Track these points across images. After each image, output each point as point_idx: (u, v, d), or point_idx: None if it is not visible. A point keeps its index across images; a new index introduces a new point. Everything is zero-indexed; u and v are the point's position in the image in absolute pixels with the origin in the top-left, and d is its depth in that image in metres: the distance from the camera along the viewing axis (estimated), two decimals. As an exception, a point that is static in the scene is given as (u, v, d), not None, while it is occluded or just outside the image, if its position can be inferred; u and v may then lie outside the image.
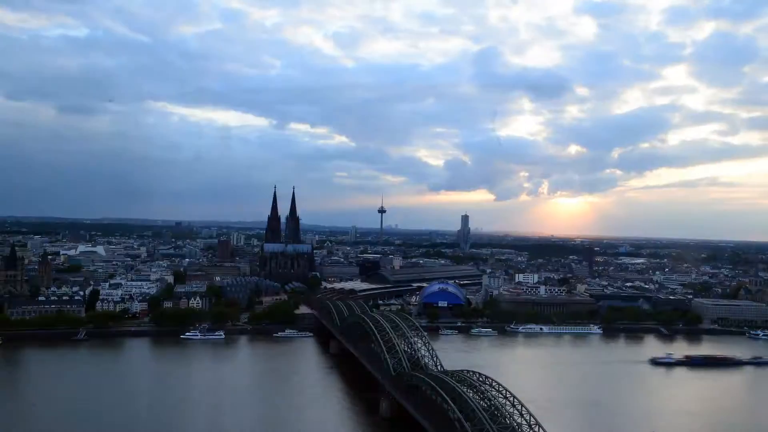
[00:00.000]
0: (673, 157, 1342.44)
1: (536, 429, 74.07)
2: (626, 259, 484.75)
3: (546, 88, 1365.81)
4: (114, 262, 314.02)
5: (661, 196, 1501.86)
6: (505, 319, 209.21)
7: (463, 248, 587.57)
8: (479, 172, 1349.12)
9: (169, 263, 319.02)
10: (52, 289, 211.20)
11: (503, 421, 74.81)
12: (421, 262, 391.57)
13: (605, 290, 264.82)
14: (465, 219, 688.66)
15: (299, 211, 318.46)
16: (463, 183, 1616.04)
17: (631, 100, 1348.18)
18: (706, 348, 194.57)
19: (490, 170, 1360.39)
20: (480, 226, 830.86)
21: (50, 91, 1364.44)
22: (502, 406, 78.07)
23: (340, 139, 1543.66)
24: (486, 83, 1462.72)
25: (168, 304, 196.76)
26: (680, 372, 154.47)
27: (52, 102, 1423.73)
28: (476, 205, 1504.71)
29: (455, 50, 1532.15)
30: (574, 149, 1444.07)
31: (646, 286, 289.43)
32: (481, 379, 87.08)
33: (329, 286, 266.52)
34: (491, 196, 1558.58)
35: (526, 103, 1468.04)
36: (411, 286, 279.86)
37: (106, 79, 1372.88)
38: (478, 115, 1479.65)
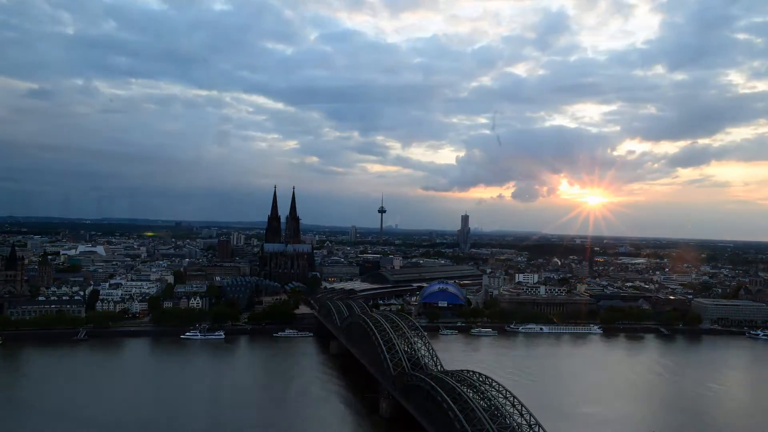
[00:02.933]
0: (738, 151, 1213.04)
1: (536, 429, 74.14)
2: (626, 259, 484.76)
3: (630, 66, 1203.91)
4: (114, 262, 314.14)
5: (689, 195, 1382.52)
6: (505, 319, 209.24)
7: (463, 248, 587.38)
8: (499, 169, 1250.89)
9: (169, 263, 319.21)
10: (52, 289, 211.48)
11: (503, 421, 74.83)
12: (421, 262, 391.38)
13: (605, 290, 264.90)
14: (465, 219, 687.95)
15: (299, 211, 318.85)
16: (480, 180, 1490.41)
17: (733, 85, 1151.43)
18: (706, 348, 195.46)
19: (515, 167, 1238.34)
20: (480, 225, 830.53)
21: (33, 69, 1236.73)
22: (502, 406, 78.12)
23: (353, 133, 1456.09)
24: (554, 65, 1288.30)
25: (168, 304, 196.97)
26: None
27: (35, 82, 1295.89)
28: (487, 204, 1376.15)
29: (521, 18, 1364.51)
30: (632, 144, 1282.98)
31: (646, 286, 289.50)
32: (481, 379, 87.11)
33: (329, 286, 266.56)
34: (507, 194, 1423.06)
35: (596, 91, 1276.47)
36: (411, 286, 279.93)
37: (100, 53, 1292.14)
38: (526, 103, 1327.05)
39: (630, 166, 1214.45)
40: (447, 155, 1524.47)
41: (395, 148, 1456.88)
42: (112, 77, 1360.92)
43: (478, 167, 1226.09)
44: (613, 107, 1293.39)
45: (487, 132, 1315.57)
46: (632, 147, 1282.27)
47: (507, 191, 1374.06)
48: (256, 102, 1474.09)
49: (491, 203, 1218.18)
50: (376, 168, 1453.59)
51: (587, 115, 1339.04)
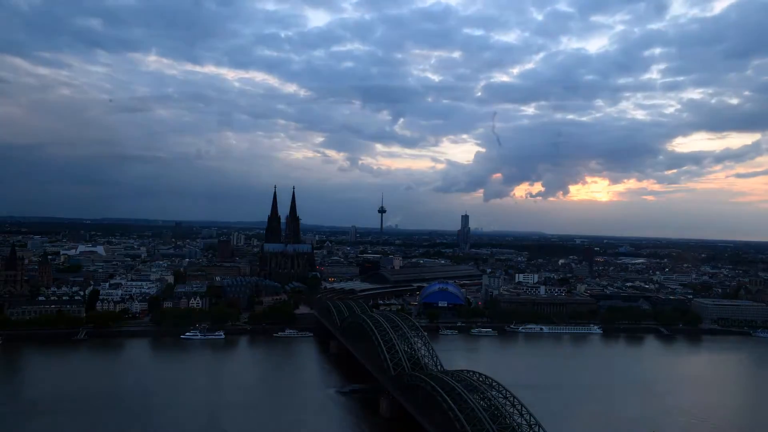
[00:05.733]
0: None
1: (536, 429, 74.15)
2: (626, 259, 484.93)
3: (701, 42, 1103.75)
4: (114, 262, 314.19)
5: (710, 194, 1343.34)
6: (505, 319, 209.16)
7: (463, 248, 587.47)
8: (519, 168, 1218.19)
9: (169, 263, 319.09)
10: (52, 289, 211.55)
11: (503, 421, 74.83)
12: (421, 262, 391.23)
13: (605, 290, 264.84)
14: (465, 219, 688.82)
15: (299, 211, 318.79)
16: (500, 179, 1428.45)
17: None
18: (706, 349, 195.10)
19: (545, 164, 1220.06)
20: (480, 226, 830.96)
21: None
22: (502, 406, 78.13)
23: (377, 124, 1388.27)
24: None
25: (168, 304, 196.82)
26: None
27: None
28: (498, 203, 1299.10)
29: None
30: (688, 139, 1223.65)
31: (646, 286, 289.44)
32: (481, 379, 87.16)
33: (329, 286, 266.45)
34: (534, 191, 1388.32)
35: (659, 76, 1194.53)
36: (411, 286, 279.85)
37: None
38: (581, 89, 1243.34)
39: (670, 164, 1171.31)
40: (473, 149, 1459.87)
41: (419, 142, 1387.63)
42: (85, 49, 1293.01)
43: (497, 164, 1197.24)
44: (684, 96, 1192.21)
45: (527, 122, 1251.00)
46: (688, 142, 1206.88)
47: (534, 189, 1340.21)
48: (266, 84, 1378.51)
49: (503, 203, 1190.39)
50: (396, 164, 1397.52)
51: (653, 103, 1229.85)
